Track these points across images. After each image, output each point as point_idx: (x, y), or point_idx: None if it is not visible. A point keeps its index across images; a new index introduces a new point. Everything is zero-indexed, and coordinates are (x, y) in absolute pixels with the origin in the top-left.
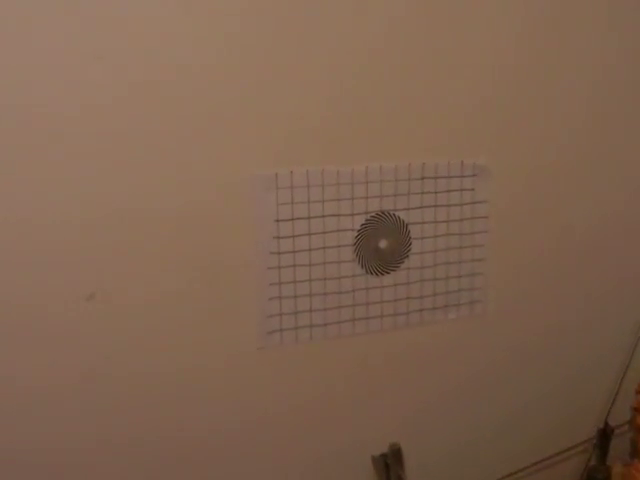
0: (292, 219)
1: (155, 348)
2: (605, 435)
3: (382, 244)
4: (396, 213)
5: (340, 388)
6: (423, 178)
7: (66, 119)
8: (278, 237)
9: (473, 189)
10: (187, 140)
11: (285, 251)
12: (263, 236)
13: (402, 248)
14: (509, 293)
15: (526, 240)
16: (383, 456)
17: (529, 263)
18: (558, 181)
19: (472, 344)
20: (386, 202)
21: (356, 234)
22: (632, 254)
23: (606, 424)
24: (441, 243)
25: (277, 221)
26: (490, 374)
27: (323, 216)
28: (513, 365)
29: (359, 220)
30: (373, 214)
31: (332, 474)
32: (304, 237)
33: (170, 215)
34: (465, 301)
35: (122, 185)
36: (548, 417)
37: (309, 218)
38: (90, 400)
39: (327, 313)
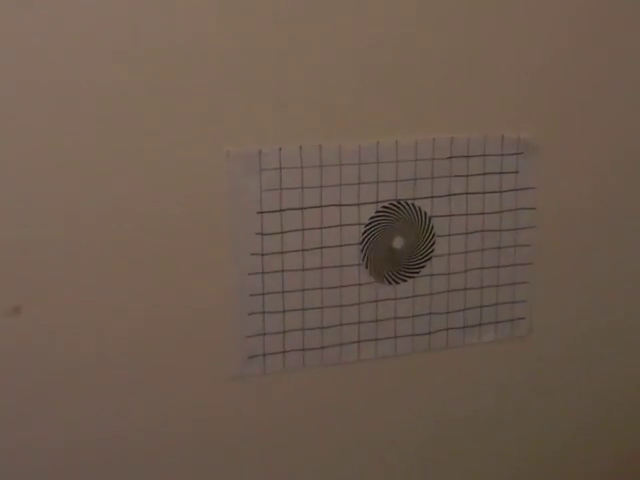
0: (280, 210)
1: (87, 385)
2: None
3: (397, 243)
4: (416, 203)
5: (341, 429)
6: (451, 157)
7: None
8: (262, 234)
9: (517, 172)
10: (139, 106)
11: (271, 252)
12: (242, 233)
13: (423, 248)
14: (562, 308)
15: (586, 239)
16: None
17: (590, 269)
18: (629, 163)
19: (513, 374)
20: (403, 189)
21: (364, 230)
22: None
23: None
24: (474, 242)
25: (261, 213)
26: (536, 412)
27: (321, 206)
28: (565, 400)
29: (368, 212)
30: (386, 204)
31: None
32: (296, 234)
33: (116, 206)
34: (505, 318)
35: (63, 169)
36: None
37: (302, 209)
38: (35, 435)
39: (325, 333)
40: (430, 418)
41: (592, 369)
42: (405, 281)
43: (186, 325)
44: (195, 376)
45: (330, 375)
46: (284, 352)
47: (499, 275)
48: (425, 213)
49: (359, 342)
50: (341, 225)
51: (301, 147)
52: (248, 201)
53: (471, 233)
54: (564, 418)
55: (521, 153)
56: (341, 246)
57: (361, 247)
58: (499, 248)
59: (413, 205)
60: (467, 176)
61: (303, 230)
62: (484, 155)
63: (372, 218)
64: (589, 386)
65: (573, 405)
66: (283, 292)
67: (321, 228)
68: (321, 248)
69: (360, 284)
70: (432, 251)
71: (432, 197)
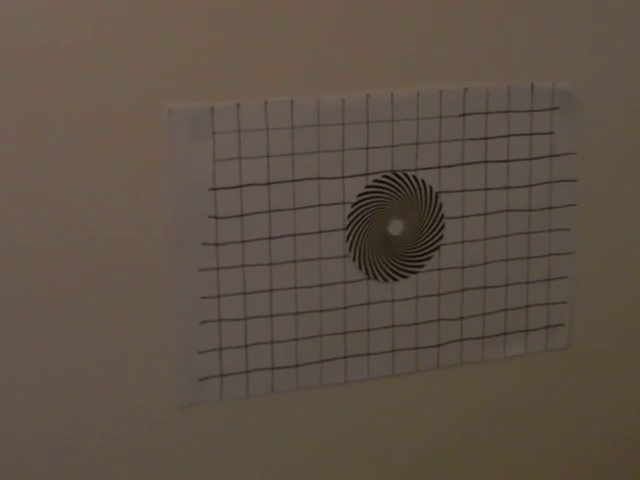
0: (240, 186)
1: (29, 418)
2: None
3: (394, 228)
4: (418, 175)
5: (323, 471)
6: (465, 115)
7: None
8: (215, 217)
9: (552, 132)
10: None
11: (228, 241)
12: (190, 216)
13: (428, 235)
14: (612, 311)
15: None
16: None
17: None
18: None
19: (548, 398)
20: (401, 156)
21: (350, 211)
22: None
23: None
24: (496, 226)
25: (214, 190)
26: (576, 444)
27: (293, 180)
28: (613, 428)
29: (355, 187)
30: (379, 177)
31: None
32: (260, 217)
33: (27, 178)
34: (538, 325)
35: None
36: None
37: (269, 184)
38: None
39: (300, 346)
40: (438, 455)
41: None
42: (405, 277)
43: (120, 339)
44: (135, 405)
45: (307, 402)
46: (247, 372)
47: (530, 269)
48: (430, 188)
49: (346, 358)
50: (320, 205)
51: (266, 103)
52: (197, 174)
53: (492, 214)
54: (610, 451)
55: (557, 108)
56: (320, 232)
57: (347, 234)
58: (529, 233)
59: (414, 178)
60: (486, 139)
61: (270, 212)
62: (508, 111)
63: (361, 195)
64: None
65: (622, 434)
66: (245, 293)
67: (294, 209)
68: (294, 235)
69: (346, 282)
70: (440, 238)
71: (439, 167)
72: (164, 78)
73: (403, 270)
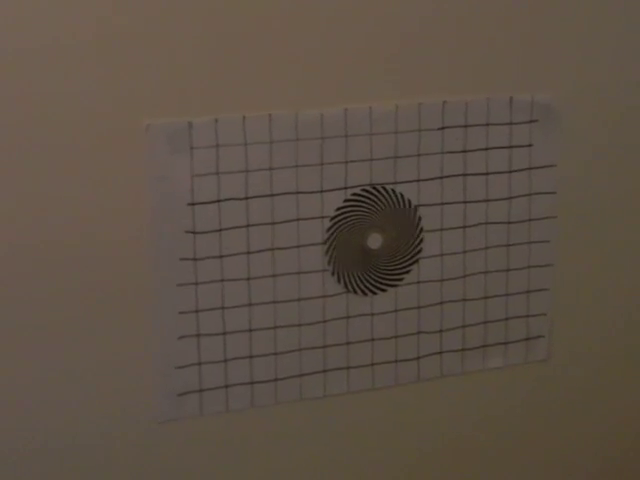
0: (218, 201)
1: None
2: None
3: (373, 242)
4: (397, 189)
5: None
6: (444, 128)
7: None
8: (193, 232)
9: (530, 145)
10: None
11: (206, 256)
12: (167, 231)
13: (407, 248)
14: (592, 323)
15: (620, 232)
16: None
17: (627, 270)
18: None
19: (528, 410)
20: (380, 170)
21: (329, 225)
22: None
23: None
24: (475, 239)
25: (192, 205)
26: (556, 457)
27: (272, 195)
28: (592, 441)
29: (334, 201)
30: (357, 191)
31: None
32: (239, 232)
33: (2, 191)
34: (518, 337)
35: None
36: None
37: (247, 199)
38: None
39: (280, 361)
40: (419, 468)
41: (629, 400)
42: (384, 291)
43: (97, 353)
44: (110, 420)
45: (287, 416)
46: (227, 387)
47: (509, 281)
48: (409, 202)
49: (325, 372)
50: (299, 219)
51: (244, 117)
52: (175, 189)
53: (471, 227)
54: (590, 463)
55: (536, 121)
56: (299, 247)
57: (326, 248)
58: (508, 246)
59: (393, 191)
60: (465, 152)
61: (248, 227)
62: (487, 124)
63: (340, 209)
64: (622, 421)
65: (602, 445)
66: (223, 308)
67: (272, 224)
68: (272, 250)
69: (325, 296)
70: (419, 251)
71: (418, 180)
72: (142, 93)
73: (382, 284)
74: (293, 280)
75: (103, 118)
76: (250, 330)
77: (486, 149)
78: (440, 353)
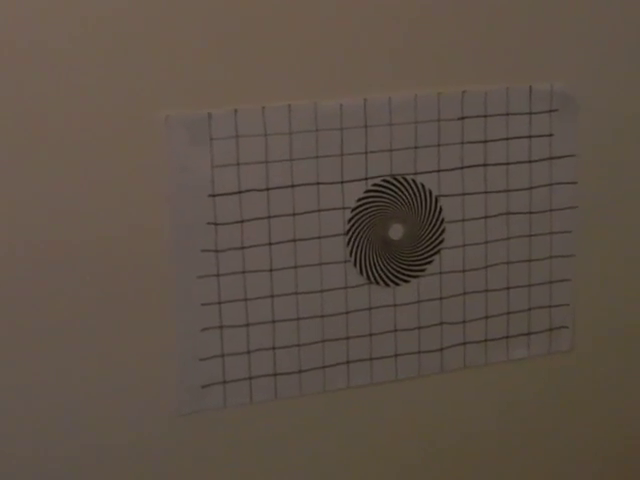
0: (239, 192)
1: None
2: None
3: (394, 232)
4: (417, 179)
5: (328, 476)
6: (464, 118)
7: None
8: (215, 224)
9: (551, 134)
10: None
11: (228, 247)
12: (189, 223)
13: (429, 239)
14: (616, 313)
15: None
16: None
17: None
18: None
19: (551, 400)
20: (400, 160)
21: (350, 217)
22: None
23: None
24: (497, 229)
25: (213, 196)
26: (584, 445)
27: (292, 186)
28: (617, 428)
29: (355, 192)
30: (378, 181)
31: None
32: (260, 223)
33: (24, 184)
34: (541, 328)
35: None
36: None
37: (268, 190)
38: None
39: (303, 352)
40: (442, 459)
41: None
42: (407, 282)
43: (118, 345)
44: (135, 413)
45: (311, 407)
46: (250, 379)
47: (531, 271)
48: (430, 192)
49: (348, 363)
50: (320, 210)
51: (264, 108)
52: (196, 181)
53: (492, 217)
54: (614, 454)
55: (556, 110)
56: (320, 238)
57: (347, 239)
58: (530, 236)
59: (414, 182)
60: (485, 142)
61: (269, 218)
62: (507, 114)
63: (360, 200)
64: None
65: (626, 435)
66: (246, 300)
67: (293, 215)
68: (294, 241)
69: (347, 287)
70: (441, 242)
71: (439, 171)
72: (161, 84)
73: (404, 274)
74: (315, 271)
75: (122, 110)
76: (273, 322)
77: (506, 139)
78: (463, 344)
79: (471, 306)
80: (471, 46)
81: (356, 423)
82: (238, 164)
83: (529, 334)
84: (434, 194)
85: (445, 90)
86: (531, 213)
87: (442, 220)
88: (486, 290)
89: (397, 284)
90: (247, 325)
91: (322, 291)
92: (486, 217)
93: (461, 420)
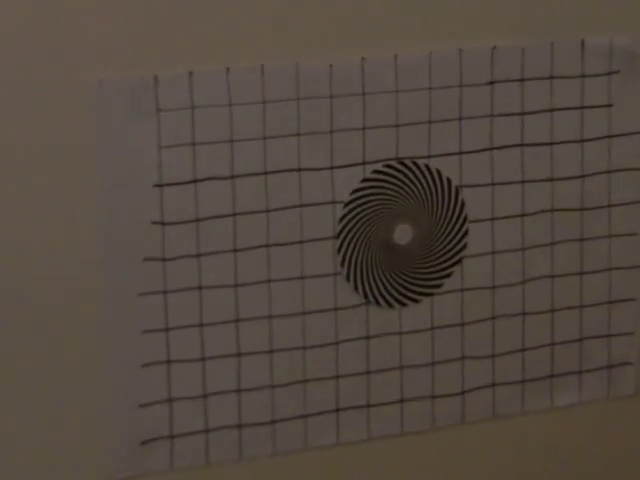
0: (194, 181)
1: None
2: None
3: (401, 235)
4: (432, 164)
5: None
6: (494, 82)
7: None
8: (162, 223)
9: (610, 105)
10: None
11: (178, 255)
12: (126, 221)
13: (447, 244)
14: None
15: None
16: None
17: None
18: None
19: (612, 458)
20: (409, 139)
21: (343, 214)
22: None
23: None
24: (537, 231)
25: (159, 186)
26: None
27: (266, 173)
28: None
29: (349, 181)
30: (380, 167)
31: None
32: (222, 222)
33: None
34: (596, 365)
35: None
36: None
37: (233, 178)
38: None
39: (278, 396)
40: None
41: None
42: (417, 301)
43: (33, 388)
44: (62, 476)
45: (288, 471)
46: (207, 432)
47: (583, 288)
48: (448, 181)
49: (338, 412)
50: (302, 205)
51: (228, 70)
52: (137, 166)
53: (531, 215)
54: None
55: (616, 72)
56: (302, 242)
57: (338, 243)
58: (582, 240)
59: (427, 168)
60: (522, 115)
61: (235, 215)
62: (551, 77)
63: (356, 192)
64: None
65: None
66: (201, 325)
67: (267, 211)
68: (267, 247)
69: (338, 308)
70: (463, 248)
71: (460, 153)
72: (93, 40)
73: (414, 291)
74: (295, 287)
75: (42, 73)
76: (239, 355)
77: (550, 110)
78: (492, 386)
79: (502, 335)
80: None
81: None
82: (194, 144)
83: (580, 373)
84: (454, 184)
85: (469, 45)
86: (583, 210)
87: (464, 219)
88: (523, 313)
89: (404, 304)
90: (203, 359)
91: (304, 314)
92: (523, 215)
93: None
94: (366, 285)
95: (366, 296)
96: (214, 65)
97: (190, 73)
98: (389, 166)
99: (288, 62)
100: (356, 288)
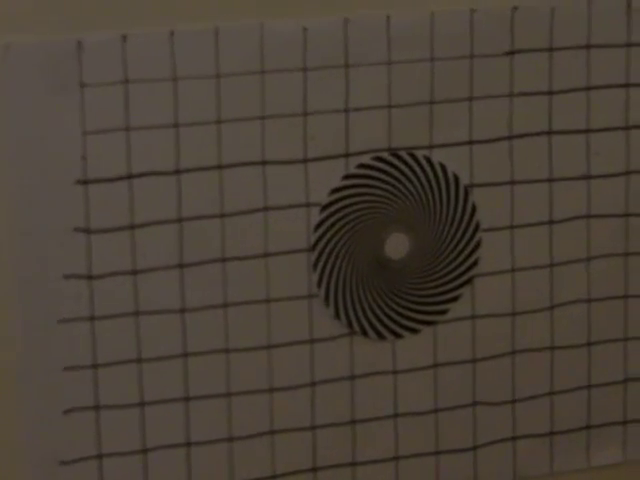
0: (129, 177)
1: None
2: None
3: (394, 247)
4: (434, 156)
5: None
6: (513, 52)
7: None
8: (87, 231)
9: None
10: None
11: (109, 272)
12: (41, 228)
13: (453, 259)
14: None
15: None
16: None
17: None
18: None
19: None
20: (406, 124)
21: (320, 220)
22: None
23: None
24: (569, 243)
25: (84, 183)
26: None
27: (220, 167)
28: None
29: (328, 178)
30: (367, 160)
31: None
32: (165, 229)
33: None
34: None
35: None
36: None
37: (178, 173)
38: None
39: (237, 451)
40: None
41: None
42: (415, 331)
43: None
44: None
45: None
46: None
47: (628, 315)
48: (455, 179)
49: (315, 471)
50: (267, 209)
51: (172, 33)
52: (55, 157)
53: (561, 222)
54: None
55: None
56: (267, 256)
57: (314, 258)
58: (627, 255)
59: (428, 161)
60: (550, 94)
61: (181, 221)
62: (587, 46)
63: (337, 192)
64: None
65: None
66: (139, 361)
67: (221, 216)
68: (223, 261)
69: (314, 340)
70: (474, 264)
71: (470, 143)
72: None
73: (411, 319)
74: (259, 313)
75: None
76: (187, 399)
77: (586, 89)
78: (512, 440)
79: (525, 374)
80: None
81: None
82: (128, 129)
83: (625, 424)
84: (462, 182)
85: (483, 4)
86: (628, 216)
87: (476, 227)
88: (551, 347)
89: (399, 335)
90: (141, 404)
91: (269, 347)
92: (551, 222)
93: None
94: (350, 311)
95: (350, 325)
96: (154, 27)
97: (123, 37)
98: (379, 159)
99: (250, 23)
100: (337, 314)
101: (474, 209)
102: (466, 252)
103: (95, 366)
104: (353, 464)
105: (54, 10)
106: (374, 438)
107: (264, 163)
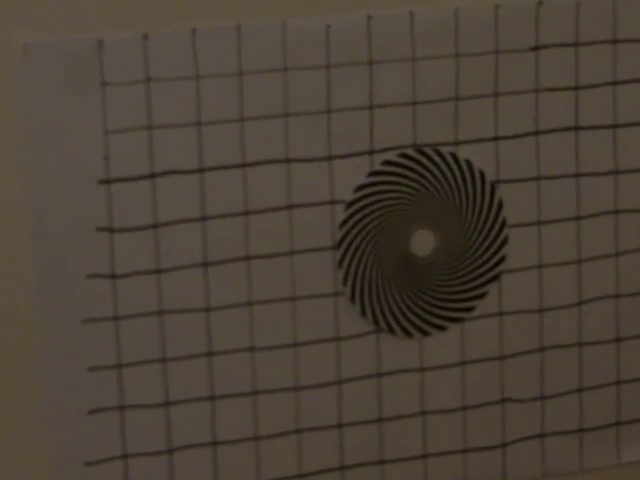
0: (152, 176)
1: None
2: None
3: (420, 245)
4: (460, 153)
5: None
6: (539, 48)
7: None
8: (110, 230)
9: None
10: None
11: (132, 271)
12: (62, 228)
13: (480, 256)
14: None
15: None
16: None
17: None
18: None
19: None
20: (431, 121)
21: (345, 218)
22: None
23: None
24: (598, 239)
25: (106, 182)
26: None
27: (244, 165)
28: None
29: (353, 175)
30: (392, 157)
31: None
32: (188, 228)
33: None
34: None
35: None
36: None
37: (202, 172)
38: None
39: (262, 450)
40: None
41: None
42: (443, 329)
43: None
44: None
45: None
46: None
47: None
48: (481, 175)
49: (342, 470)
50: (291, 207)
51: (194, 31)
52: (76, 156)
53: (589, 217)
54: None
55: None
56: (293, 254)
57: (339, 256)
58: None
59: (454, 158)
60: (576, 89)
61: (205, 220)
62: (614, 41)
63: (362, 189)
64: None
65: None
66: (164, 361)
67: (246, 214)
68: (247, 259)
69: (340, 338)
70: (501, 261)
71: (496, 139)
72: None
73: (438, 316)
74: (285, 311)
75: None
76: (212, 398)
77: (613, 83)
78: (541, 437)
79: (554, 371)
80: None
81: None
82: (150, 127)
83: None
84: (488, 179)
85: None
86: None
87: (503, 223)
88: (579, 343)
89: (426, 333)
90: (166, 404)
91: (296, 345)
92: (578, 218)
93: None
94: (376, 308)
95: (376, 322)
96: (176, 25)
97: (144, 35)
98: (404, 155)
99: (273, 21)
100: (364, 312)
101: (500, 205)
102: (493, 249)
103: (119, 366)
104: (381, 462)
105: (74, 9)
106: (402, 436)
107: (288, 161)
